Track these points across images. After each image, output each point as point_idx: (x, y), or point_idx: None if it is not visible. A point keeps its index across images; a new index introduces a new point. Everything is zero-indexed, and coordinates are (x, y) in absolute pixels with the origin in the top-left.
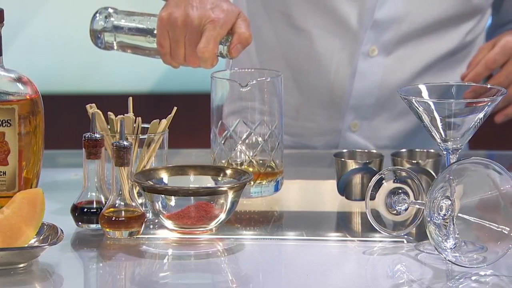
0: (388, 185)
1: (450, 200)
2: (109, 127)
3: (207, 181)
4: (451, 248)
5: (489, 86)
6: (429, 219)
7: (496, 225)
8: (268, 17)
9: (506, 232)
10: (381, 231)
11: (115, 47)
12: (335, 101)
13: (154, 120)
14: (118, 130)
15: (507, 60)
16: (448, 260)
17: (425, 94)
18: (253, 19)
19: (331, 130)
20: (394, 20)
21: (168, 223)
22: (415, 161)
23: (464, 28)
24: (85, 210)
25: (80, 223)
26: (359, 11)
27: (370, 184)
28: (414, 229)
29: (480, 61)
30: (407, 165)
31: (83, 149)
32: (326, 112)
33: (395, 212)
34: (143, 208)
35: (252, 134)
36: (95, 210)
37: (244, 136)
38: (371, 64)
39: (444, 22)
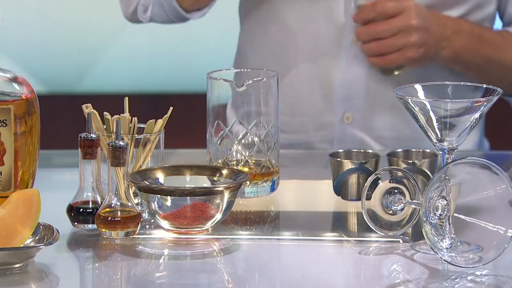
0: (384, 185)
1: (446, 200)
2: (105, 127)
3: (203, 181)
4: (447, 248)
5: (484, 86)
6: (425, 219)
7: (492, 225)
8: (256, 17)
9: (502, 232)
10: (377, 231)
11: None
12: (325, 94)
13: (150, 120)
14: (114, 130)
15: (396, 14)
16: (444, 260)
17: (421, 94)
18: (245, 22)
19: (326, 124)
20: None
21: (164, 223)
22: (411, 161)
23: (453, 13)
24: (81, 210)
25: (76, 223)
26: None
27: (366, 184)
28: (410, 229)
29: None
30: (403, 165)
31: (79, 149)
32: (318, 105)
33: (391, 212)
34: (139, 208)
35: (248, 134)
36: (91, 210)
37: (240, 136)
38: (357, 53)
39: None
